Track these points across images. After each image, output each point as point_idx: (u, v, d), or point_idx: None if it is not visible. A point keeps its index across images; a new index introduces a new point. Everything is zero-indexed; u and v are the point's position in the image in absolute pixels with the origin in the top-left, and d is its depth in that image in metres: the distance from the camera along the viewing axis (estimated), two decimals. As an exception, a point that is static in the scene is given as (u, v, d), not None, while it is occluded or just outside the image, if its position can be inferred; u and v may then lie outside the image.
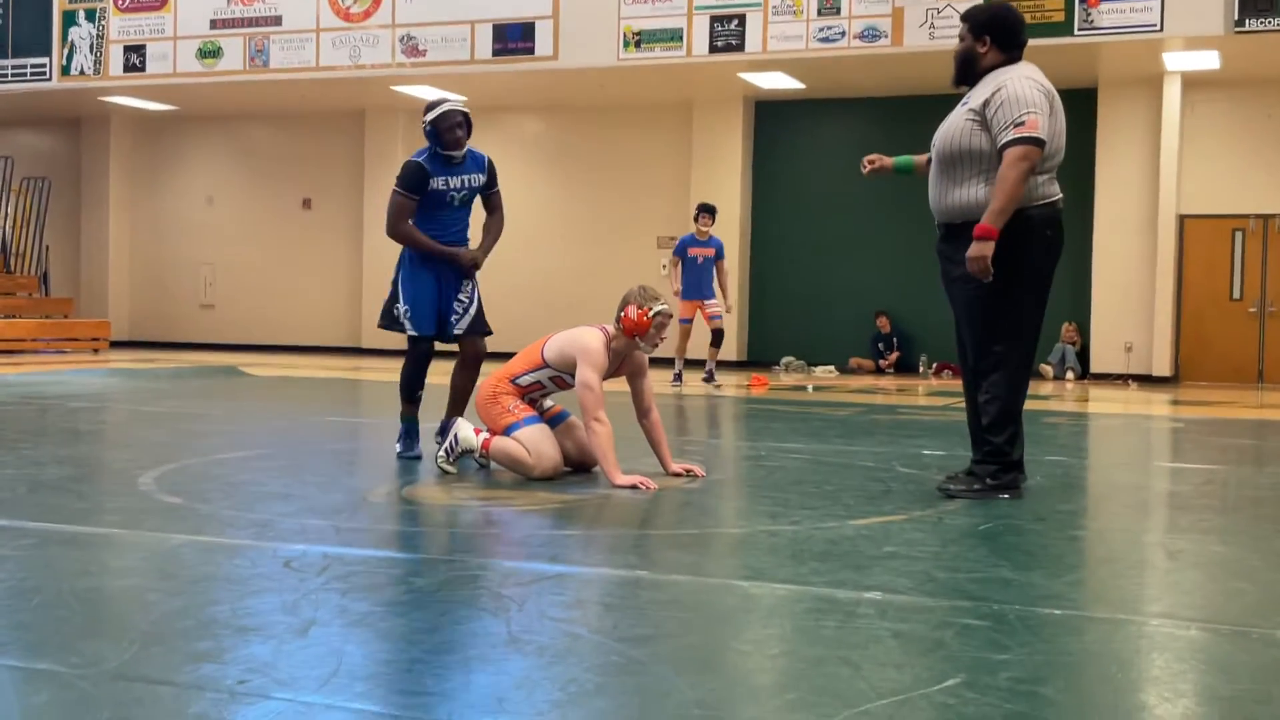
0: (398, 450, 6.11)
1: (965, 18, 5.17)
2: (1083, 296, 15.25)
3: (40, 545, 3.82)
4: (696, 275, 12.54)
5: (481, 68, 15.41)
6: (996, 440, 5.03)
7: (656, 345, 5.48)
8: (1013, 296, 5.01)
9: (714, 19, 14.36)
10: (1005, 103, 4.85)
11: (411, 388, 6.18)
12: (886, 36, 13.75)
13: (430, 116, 5.99)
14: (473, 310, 6.16)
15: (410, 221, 6.02)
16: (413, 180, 5.98)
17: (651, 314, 5.38)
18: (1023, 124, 4.80)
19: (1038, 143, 4.81)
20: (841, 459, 6.49)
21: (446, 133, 5.98)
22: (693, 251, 12.57)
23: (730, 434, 8.83)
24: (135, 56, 16.84)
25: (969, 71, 5.11)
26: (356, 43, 15.82)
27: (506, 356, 6.02)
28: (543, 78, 15.63)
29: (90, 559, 3.71)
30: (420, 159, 6.04)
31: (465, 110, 6.07)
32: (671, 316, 5.54)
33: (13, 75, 17.45)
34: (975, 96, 4.98)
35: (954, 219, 5.05)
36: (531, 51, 15.08)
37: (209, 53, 16.53)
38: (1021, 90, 4.86)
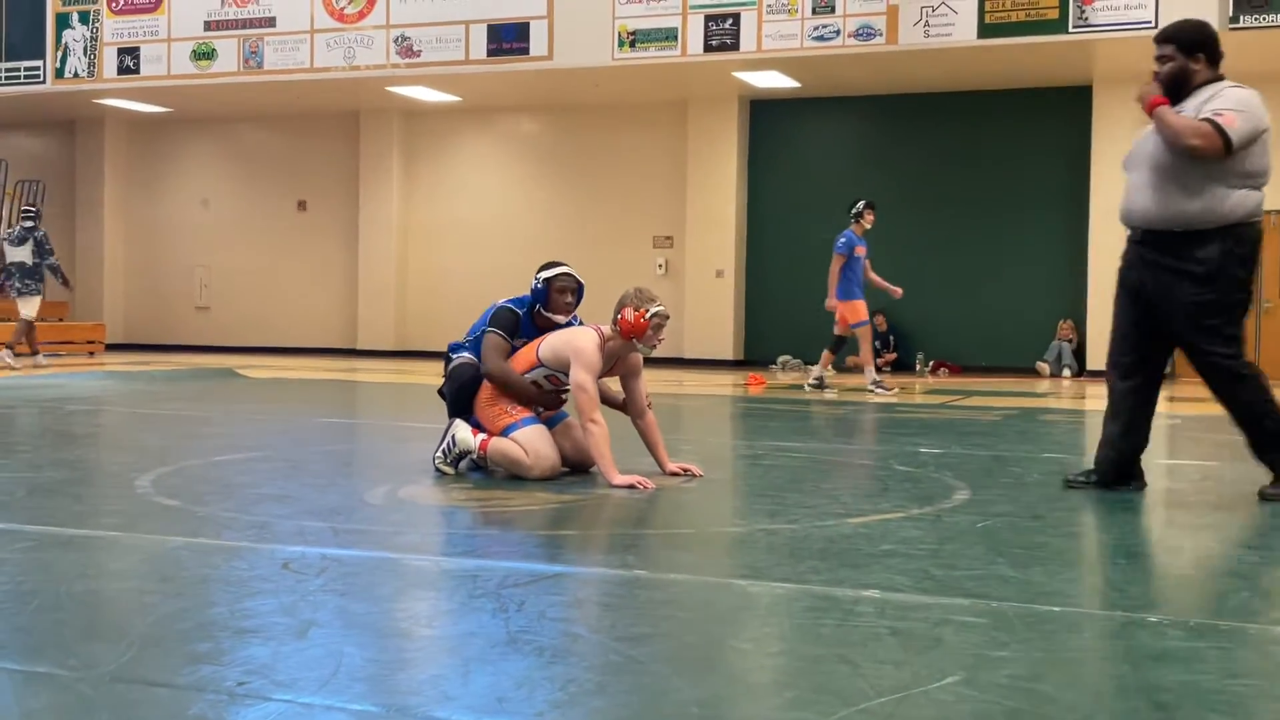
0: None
1: (1171, 38, 5.14)
2: (1079, 293, 15.27)
3: (38, 548, 3.82)
4: (861, 275, 11.99)
5: (476, 68, 15.41)
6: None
7: (655, 346, 5.47)
8: (1231, 304, 5.03)
9: (708, 18, 14.37)
10: (1221, 96, 4.93)
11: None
12: (881, 35, 13.75)
13: (544, 275, 5.78)
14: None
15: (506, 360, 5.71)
16: (506, 323, 5.72)
17: (649, 315, 5.38)
18: (1222, 115, 4.83)
19: (1223, 137, 4.80)
20: (839, 458, 6.49)
21: (557, 294, 5.75)
22: (858, 251, 12.01)
23: (727, 433, 8.83)
24: (129, 59, 16.83)
25: (1179, 90, 5.12)
26: (351, 44, 15.81)
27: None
28: (538, 78, 15.63)
29: (88, 561, 3.71)
30: (518, 309, 5.79)
31: (581, 280, 5.86)
32: (669, 317, 5.54)
33: (6, 78, 17.43)
34: (1190, 106, 4.99)
35: (1176, 226, 5.04)
36: (526, 51, 15.08)
37: (203, 54, 16.51)
38: (1242, 96, 4.93)
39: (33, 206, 15.10)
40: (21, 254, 14.33)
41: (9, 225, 19.40)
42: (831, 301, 12.08)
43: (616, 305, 5.44)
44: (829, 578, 3.49)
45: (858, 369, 16.19)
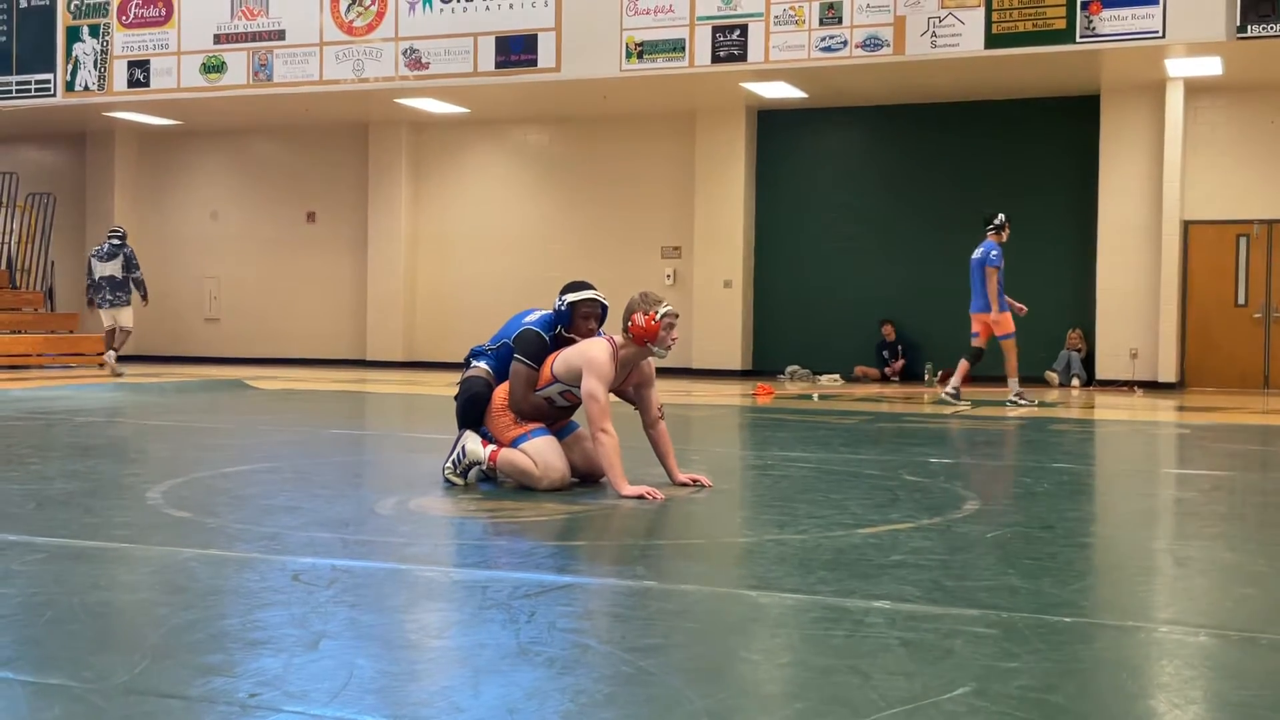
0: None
1: None
2: (1087, 303, 15.24)
3: (50, 560, 3.83)
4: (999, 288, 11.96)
5: (484, 80, 15.44)
6: None
7: (670, 347, 5.46)
8: None
9: (716, 29, 14.39)
10: None
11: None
12: (888, 45, 13.76)
13: (569, 298, 5.70)
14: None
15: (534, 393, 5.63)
16: (532, 349, 5.62)
17: (659, 316, 5.38)
18: None
19: None
20: (848, 468, 6.48)
21: (581, 320, 5.70)
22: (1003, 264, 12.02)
23: (736, 443, 8.83)
24: (139, 72, 16.89)
25: None
26: (360, 56, 15.86)
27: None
28: (546, 89, 15.66)
29: (100, 573, 3.72)
30: (542, 330, 5.69)
31: (605, 303, 5.78)
32: (679, 316, 5.53)
33: (17, 91, 17.50)
34: None
35: None
36: (534, 63, 15.11)
37: (213, 67, 16.57)
38: None
39: (120, 227, 16.22)
40: (111, 268, 15.40)
41: (19, 238, 19.53)
42: (996, 314, 11.97)
43: (625, 313, 5.44)
44: (839, 588, 3.49)
45: (866, 378, 16.22)
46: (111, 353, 15.37)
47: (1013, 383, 12.12)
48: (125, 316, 15.46)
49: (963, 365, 12.23)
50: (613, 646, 2.87)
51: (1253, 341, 15.00)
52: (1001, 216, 12.16)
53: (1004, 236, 12.06)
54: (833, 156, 16.97)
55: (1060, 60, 13.68)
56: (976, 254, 12.09)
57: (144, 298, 15.75)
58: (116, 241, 15.55)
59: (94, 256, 15.63)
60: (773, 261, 17.02)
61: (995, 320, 11.98)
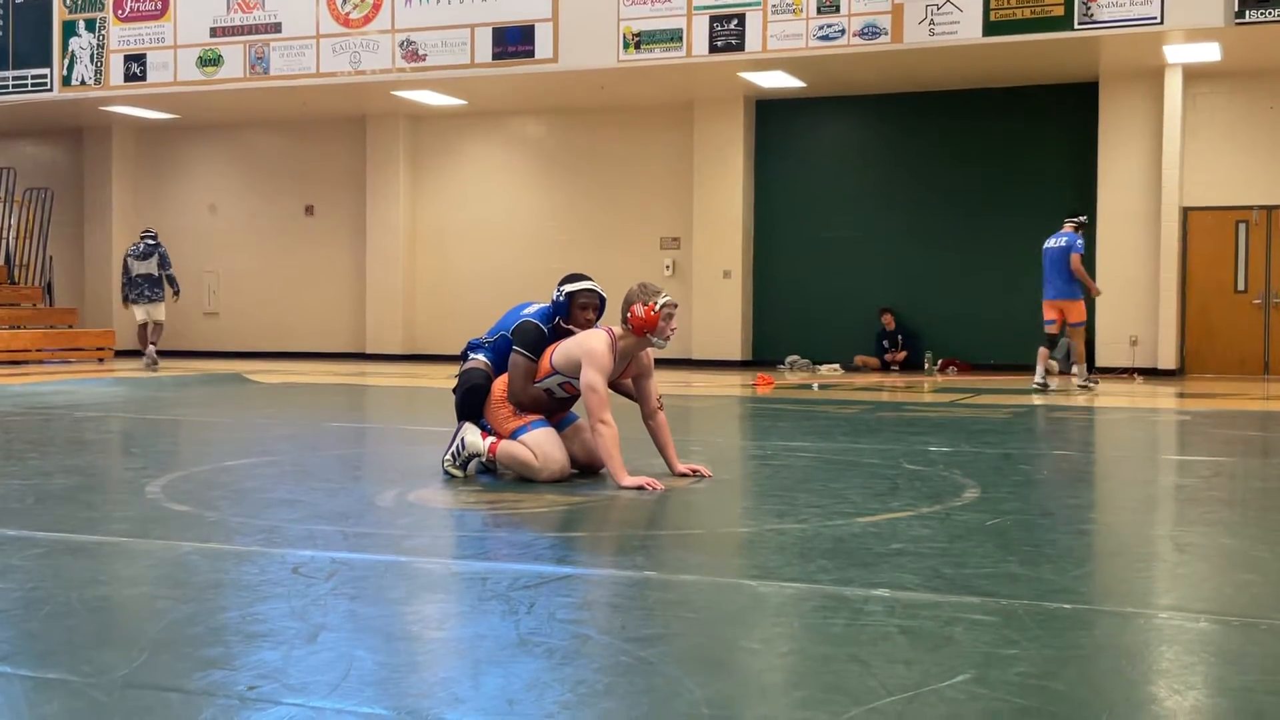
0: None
1: None
2: (1087, 291, 15.24)
3: (49, 555, 3.83)
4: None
5: (482, 71, 15.42)
6: None
7: (669, 337, 5.46)
8: None
9: (713, 19, 14.36)
10: None
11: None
12: (886, 33, 13.74)
13: (567, 289, 5.71)
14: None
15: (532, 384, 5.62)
16: (530, 340, 5.61)
17: (659, 307, 5.38)
18: None
19: None
20: (848, 457, 6.48)
21: (579, 311, 5.70)
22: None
23: (736, 433, 8.83)
24: (136, 66, 16.87)
25: None
26: (357, 48, 15.83)
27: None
28: (543, 80, 15.64)
29: (99, 568, 3.72)
30: (540, 322, 5.69)
31: (603, 294, 5.79)
32: (678, 306, 5.53)
33: (13, 86, 17.47)
34: None
35: None
36: (531, 54, 15.09)
37: (209, 61, 16.54)
38: None
39: (152, 229, 17.05)
40: (147, 267, 16.24)
41: (17, 233, 19.52)
42: (1097, 289, 12.72)
43: (624, 304, 5.44)
44: (838, 577, 3.49)
45: (866, 367, 16.21)
46: (151, 348, 15.95)
47: (1080, 369, 12.47)
48: (160, 311, 16.30)
49: (1042, 353, 12.56)
50: (612, 637, 2.87)
51: (1252, 327, 15.00)
52: (1081, 216, 12.85)
53: (1079, 230, 12.55)
54: (831, 146, 16.96)
55: (1059, 47, 13.66)
56: (1059, 243, 12.44)
57: (175, 293, 16.50)
58: (151, 241, 16.35)
59: (130, 255, 16.37)
60: (772, 251, 17.01)
61: (1073, 308, 12.36)
